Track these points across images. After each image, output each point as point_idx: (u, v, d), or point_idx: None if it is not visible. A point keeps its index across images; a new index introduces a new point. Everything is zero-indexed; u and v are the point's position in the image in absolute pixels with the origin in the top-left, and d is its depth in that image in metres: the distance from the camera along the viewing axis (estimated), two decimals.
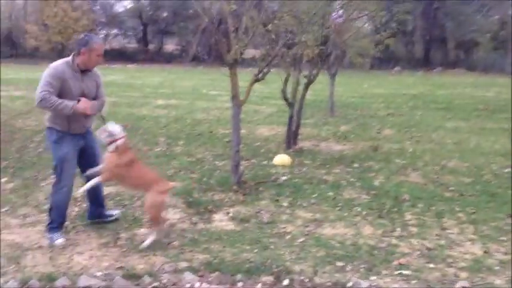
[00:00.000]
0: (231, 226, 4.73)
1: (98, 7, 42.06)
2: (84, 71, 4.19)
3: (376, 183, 6.32)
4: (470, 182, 6.48)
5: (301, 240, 4.39)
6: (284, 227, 4.73)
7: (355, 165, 7.22)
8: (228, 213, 5.05)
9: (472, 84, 24.84)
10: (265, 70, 6.16)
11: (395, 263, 3.97)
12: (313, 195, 5.70)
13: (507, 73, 34.11)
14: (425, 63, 40.45)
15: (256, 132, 9.86)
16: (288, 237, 4.48)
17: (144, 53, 40.69)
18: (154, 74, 26.58)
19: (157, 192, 4.16)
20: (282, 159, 7.25)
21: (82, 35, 4.31)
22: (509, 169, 7.11)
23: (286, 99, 7.85)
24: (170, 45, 44.18)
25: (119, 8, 43.87)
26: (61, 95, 4.04)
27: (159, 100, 14.43)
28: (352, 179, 6.43)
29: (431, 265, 3.96)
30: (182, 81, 21.74)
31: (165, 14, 38.03)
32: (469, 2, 38.89)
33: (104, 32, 42.68)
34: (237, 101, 5.97)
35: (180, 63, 36.13)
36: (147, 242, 4.08)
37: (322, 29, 6.96)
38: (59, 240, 4.15)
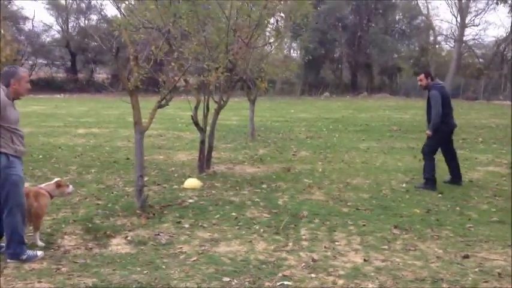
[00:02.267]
0: (126, 249, 4.76)
1: (23, 37, 40.85)
2: (13, 99, 4.34)
3: (280, 202, 6.57)
4: (368, 197, 6.89)
5: (193, 259, 4.50)
6: (180, 247, 4.82)
7: (264, 186, 7.47)
8: (126, 237, 5.08)
9: (392, 107, 26.26)
10: (168, 97, 6.32)
11: (280, 275, 4.17)
12: (216, 216, 5.85)
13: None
14: (352, 88, 42.31)
15: (174, 158, 9.94)
16: (182, 256, 4.58)
17: (73, 83, 39.79)
18: (81, 103, 26.08)
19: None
20: (191, 182, 7.37)
21: (6, 68, 4.41)
22: (405, 184, 7.62)
23: (196, 124, 8.02)
24: (102, 75, 43.52)
25: (46, 37, 42.87)
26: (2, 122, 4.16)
27: (80, 129, 14.19)
28: (257, 199, 6.65)
29: (313, 275, 4.18)
30: (109, 110, 21.48)
31: (93, 44, 37.44)
32: (391, 31, 41.33)
33: (30, 62, 41.50)
34: (140, 127, 6.07)
35: (111, 92, 35.59)
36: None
37: (227, 55, 7.22)
38: (39, 253, 4.42)
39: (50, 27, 43.10)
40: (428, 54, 42.43)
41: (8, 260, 4.27)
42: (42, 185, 4.96)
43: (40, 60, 41.70)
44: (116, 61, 6.00)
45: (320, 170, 8.85)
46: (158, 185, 7.49)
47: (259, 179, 7.94)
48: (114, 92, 34.98)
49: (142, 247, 4.81)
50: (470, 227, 5.54)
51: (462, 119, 19.05)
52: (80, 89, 38.39)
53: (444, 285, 3.98)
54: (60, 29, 42.13)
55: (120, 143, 11.75)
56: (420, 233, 5.31)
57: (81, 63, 41.65)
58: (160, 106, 6.33)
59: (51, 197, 4.88)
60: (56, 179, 5.05)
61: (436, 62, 41.21)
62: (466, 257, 4.62)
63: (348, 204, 6.50)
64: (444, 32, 46.23)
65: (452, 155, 7.81)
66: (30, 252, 4.36)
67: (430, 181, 7.44)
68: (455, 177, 7.78)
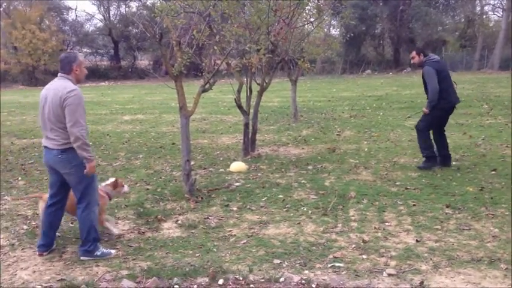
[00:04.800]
0: (177, 233, 4.87)
1: (68, 27, 42.00)
2: None
3: (327, 183, 6.52)
4: (417, 176, 6.73)
5: (243, 241, 4.55)
6: (230, 231, 4.88)
7: (309, 167, 7.43)
8: (177, 220, 5.18)
9: None
10: (211, 81, 6.34)
11: (331, 256, 4.15)
12: (263, 199, 5.88)
13: (474, 70, 35.06)
14: (395, 64, 41.22)
15: (218, 142, 10.03)
16: (232, 239, 4.63)
17: (117, 70, 40.65)
18: (125, 90, 26.63)
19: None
20: (237, 166, 7.42)
21: (64, 54, 4.24)
22: (455, 162, 7.39)
23: (240, 107, 8.04)
24: (144, 61, 44.26)
25: (89, 27, 43.89)
26: None
27: (126, 116, 14.52)
28: (303, 181, 6.63)
29: (364, 256, 4.15)
30: (152, 96, 21.83)
31: (135, 31, 38.03)
32: (434, 3, 39.83)
33: (75, 51, 42.66)
34: (185, 112, 6.13)
35: (153, 78, 36.19)
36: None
37: (268, 37, 7.15)
38: (112, 251, 4.32)
39: (93, 16, 44.11)
40: (475, 25, 40.70)
41: (82, 258, 4.19)
42: (99, 186, 4.83)
43: (85, 49, 42.78)
44: (159, 47, 6.05)
45: (366, 149, 8.71)
46: (204, 169, 7.59)
47: (305, 160, 7.90)
48: (156, 78, 35.71)
49: (192, 230, 4.90)
50: None
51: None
52: (123, 76, 39.24)
53: (502, 265, 3.86)
54: (102, 17, 42.97)
55: (165, 128, 11.95)
56: (474, 212, 5.16)
57: (123, 51, 42.43)
58: (204, 90, 6.37)
59: (110, 198, 4.89)
60: (111, 179, 4.98)
61: (483, 33, 39.45)
62: None
63: (397, 183, 6.37)
64: (491, 2, 44.11)
65: (441, 133, 7.27)
66: (104, 249, 4.29)
67: (431, 158, 7.05)
68: (445, 157, 7.19)
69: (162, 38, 5.93)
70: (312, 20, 7.83)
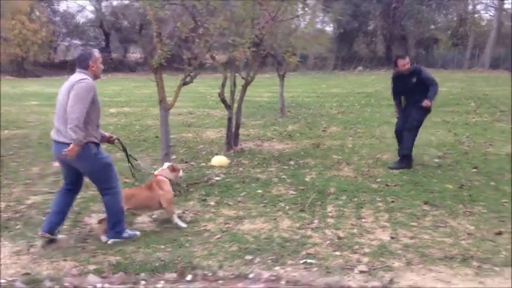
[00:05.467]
0: (151, 227, 4.80)
1: (58, 18, 41.57)
2: None
3: (307, 178, 6.47)
4: (398, 173, 6.70)
5: (217, 236, 4.48)
6: (205, 225, 4.81)
7: (291, 162, 7.38)
8: (152, 215, 5.10)
9: None
10: (192, 74, 6.26)
11: (303, 253, 4.10)
12: (242, 194, 5.81)
13: (464, 68, 35.16)
14: (387, 61, 41.18)
15: (203, 136, 9.95)
16: (205, 234, 4.57)
17: (108, 62, 40.33)
18: (116, 83, 26.41)
19: None
20: (219, 160, 7.35)
21: (80, 52, 4.38)
22: (437, 159, 7.37)
23: (223, 101, 7.96)
24: (136, 54, 43.91)
25: (80, 18, 43.47)
26: (90, 110, 4.09)
27: (112, 109, 14.38)
28: (284, 176, 6.57)
29: (337, 253, 4.10)
30: (141, 89, 21.66)
31: (126, 23, 37.67)
32: (427, 1, 39.83)
33: (66, 43, 42.30)
34: (165, 105, 6.05)
35: (143, 71, 35.96)
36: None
37: (253, 30, 7.07)
38: (137, 232, 4.53)
39: (84, 7, 43.67)
40: (467, 24, 40.82)
41: (110, 240, 4.33)
42: (156, 172, 4.99)
43: (75, 41, 42.41)
44: (139, 38, 5.96)
45: (350, 145, 8.67)
46: (186, 162, 7.51)
47: (287, 156, 7.85)
48: (146, 71, 35.40)
49: (167, 225, 4.82)
50: (504, 202, 5.31)
51: (500, 91, 18.37)
52: (114, 68, 38.92)
53: (475, 263, 3.83)
54: (93, 9, 42.58)
55: (150, 122, 11.84)
56: (451, 209, 5.13)
57: (115, 43, 42.10)
58: (185, 83, 6.28)
59: (171, 180, 4.94)
60: (167, 164, 5.06)
61: (475, 32, 39.57)
62: (499, 233, 4.43)
63: (377, 180, 6.34)
64: (484, 1, 44.18)
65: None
66: (130, 231, 4.48)
67: (408, 159, 6.99)
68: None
69: (142, 29, 5.84)
70: (299, 14, 7.73)
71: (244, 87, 8.26)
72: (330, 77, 31.01)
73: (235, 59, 7.10)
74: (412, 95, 7.05)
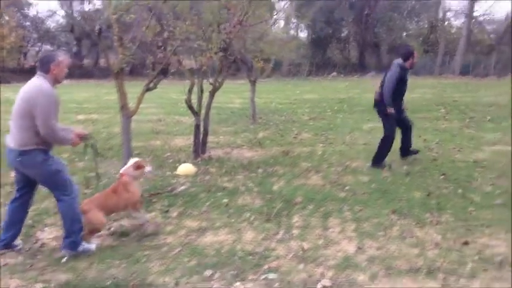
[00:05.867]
0: (108, 241, 4.57)
1: (28, 23, 40.66)
2: None
3: (275, 187, 6.31)
4: (367, 180, 6.60)
5: (177, 250, 4.28)
6: (165, 238, 4.60)
7: (260, 170, 7.22)
8: (109, 228, 4.87)
9: None
10: (155, 80, 6.06)
11: (266, 267, 3.93)
12: (207, 203, 5.62)
13: (435, 75, 35.71)
14: (360, 68, 41.65)
15: (171, 143, 9.72)
16: (164, 248, 4.36)
17: (79, 68, 39.58)
18: (86, 89, 25.89)
19: None
20: (185, 168, 7.14)
21: (43, 54, 4.29)
22: (406, 166, 7.32)
23: (190, 107, 7.76)
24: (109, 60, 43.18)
25: (51, 23, 42.61)
26: None
27: (80, 115, 14.01)
28: (251, 185, 6.40)
29: (301, 266, 3.95)
30: (112, 95, 21.19)
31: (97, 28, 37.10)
32: (398, 8, 40.40)
33: (36, 48, 41.36)
34: (126, 112, 5.82)
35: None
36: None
37: (219, 35, 6.91)
38: (92, 246, 4.31)
39: (54, 12, 42.83)
40: (437, 31, 41.57)
41: (63, 251, 4.16)
42: (121, 170, 4.90)
43: (46, 46, 41.51)
44: (99, 42, 5.74)
45: (320, 152, 8.57)
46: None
47: (256, 164, 7.69)
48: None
49: (124, 239, 4.60)
50: (472, 210, 5.25)
51: (469, 97, 18.64)
52: (85, 74, 38.21)
53: (440, 275, 3.72)
54: (64, 14, 41.81)
55: (118, 129, 11.48)
56: (419, 218, 5.04)
57: (86, 49, 41.40)
58: (148, 89, 6.09)
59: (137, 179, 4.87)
60: (133, 160, 4.94)
61: (446, 39, 40.29)
62: (466, 243, 4.35)
63: (346, 188, 6.22)
64: (454, 8, 45.06)
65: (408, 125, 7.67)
66: (86, 244, 4.28)
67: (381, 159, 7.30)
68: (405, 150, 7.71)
69: (101, 32, 5.62)
70: (266, 18, 7.60)
71: (212, 93, 8.08)
72: (304, 83, 31.05)
73: (202, 64, 6.91)
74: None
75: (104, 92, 23.70)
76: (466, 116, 13.40)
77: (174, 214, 5.30)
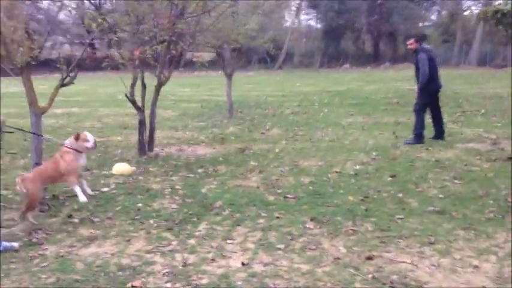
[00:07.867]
0: None
1: (42, 16, 40.94)
2: None
3: (204, 190, 5.86)
4: (307, 182, 6.10)
5: (44, 264, 3.87)
6: (45, 249, 4.21)
7: (200, 170, 6.78)
8: None
9: (409, 77, 24.78)
10: (71, 74, 5.67)
11: (128, 285, 3.50)
12: (117, 208, 5.21)
13: (452, 65, 34.50)
14: (374, 59, 40.64)
15: (132, 139, 9.33)
16: (36, 261, 3.96)
17: (93, 60, 39.67)
18: (82, 82, 25.82)
19: None
20: (120, 168, 6.76)
21: None
22: (359, 166, 6.77)
23: (133, 102, 7.36)
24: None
25: (64, 15, 42.81)
26: None
27: (59, 109, 13.73)
28: (179, 187, 5.97)
29: (168, 285, 3.50)
30: (106, 88, 21.10)
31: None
32: None
33: (50, 41, 41.67)
34: (35, 109, 5.45)
35: (114, 70, 35.21)
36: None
37: (153, 28, 6.47)
38: (16, 244, 4.19)
39: (64, 4, 42.95)
40: (456, 20, 40.14)
41: None
42: (66, 141, 5.26)
43: (60, 39, 41.81)
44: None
45: (277, 150, 8.07)
46: (88, 170, 6.90)
47: (202, 162, 7.25)
48: (118, 69, 34.70)
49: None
50: (399, 218, 4.70)
51: (475, 89, 17.78)
52: (98, 67, 38.23)
53: None
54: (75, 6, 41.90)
55: (89, 124, 11.27)
56: (336, 227, 4.52)
57: (99, 41, 41.45)
58: (63, 85, 5.69)
59: (78, 151, 5.16)
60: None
61: (464, 28, 38.90)
62: (370, 258, 3.83)
63: (278, 191, 5.73)
64: None
65: (437, 110, 8.47)
66: (6, 243, 4.12)
67: (418, 136, 8.23)
68: (439, 133, 8.54)
69: None
70: (209, 9, 7.08)
71: (158, 89, 7.65)
72: (313, 75, 30.39)
73: (133, 57, 6.49)
74: (417, 76, 8.20)
75: (101, 84, 23.57)
76: (459, 109, 12.68)
77: (76, 220, 4.90)
